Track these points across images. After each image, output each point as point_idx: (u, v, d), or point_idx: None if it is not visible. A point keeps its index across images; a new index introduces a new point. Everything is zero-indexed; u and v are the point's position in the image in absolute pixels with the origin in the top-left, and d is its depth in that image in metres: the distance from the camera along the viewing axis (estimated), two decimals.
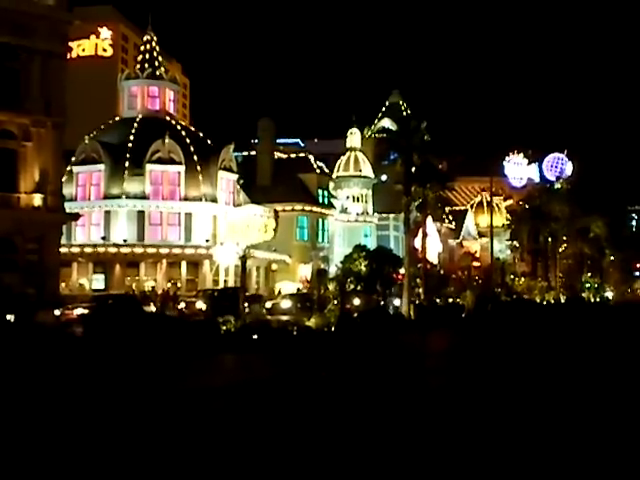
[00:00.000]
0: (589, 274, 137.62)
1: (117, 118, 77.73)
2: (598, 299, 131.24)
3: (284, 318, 45.47)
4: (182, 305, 53.76)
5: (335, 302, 49.50)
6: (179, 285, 67.35)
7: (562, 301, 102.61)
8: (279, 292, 69.55)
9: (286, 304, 52.63)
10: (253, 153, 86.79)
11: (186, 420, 16.71)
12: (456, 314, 62.88)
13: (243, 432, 15.34)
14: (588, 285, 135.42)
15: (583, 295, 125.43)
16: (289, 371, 27.13)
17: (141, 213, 69.16)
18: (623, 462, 12.72)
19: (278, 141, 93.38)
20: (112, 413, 17.49)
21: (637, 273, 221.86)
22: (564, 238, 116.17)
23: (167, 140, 69.29)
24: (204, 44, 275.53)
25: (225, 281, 68.09)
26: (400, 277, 62.86)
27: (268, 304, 53.26)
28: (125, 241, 67.80)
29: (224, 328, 37.60)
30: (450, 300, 70.36)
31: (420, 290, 64.17)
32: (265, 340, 36.62)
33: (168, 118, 74.54)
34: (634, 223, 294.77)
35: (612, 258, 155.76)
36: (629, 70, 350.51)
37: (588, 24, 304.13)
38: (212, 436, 14.85)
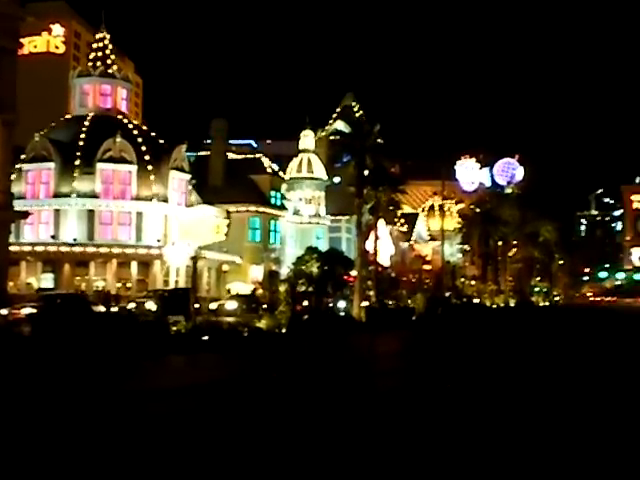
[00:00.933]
0: (538, 278, 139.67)
1: (68, 116, 77.05)
2: (547, 303, 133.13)
3: (229, 320, 45.17)
4: (132, 305, 53.35)
5: (286, 304, 49.38)
6: (129, 285, 66.90)
7: (512, 305, 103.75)
8: (236, 293, 69.32)
9: (231, 305, 52.35)
10: (206, 153, 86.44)
11: (127, 423, 16.55)
12: (407, 317, 63.23)
13: (187, 435, 15.24)
14: (537, 289, 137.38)
15: (532, 299, 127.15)
16: (239, 372, 27.03)
17: (91, 212, 68.57)
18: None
19: (231, 142, 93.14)
20: (51, 414, 17.28)
21: (585, 277, 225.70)
22: (514, 242, 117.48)
23: (118, 139, 68.81)
24: (158, 43, 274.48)
25: (176, 281, 67.78)
26: (352, 279, 63.02)
27: (213, 305, 52.92)
28: (75, 240, 67.19)
29: (174, 329, 37.34)
30: (401, 303, 70.68)
31: (371, 292, 64.39)
32: (216, 341, 36.46)
33: (120, 117, 74.01)
34: (583, 228, 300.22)
35: (561, 262, 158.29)
36: (580, 78, 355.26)
37: (540, 31, 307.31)
38: (154, 440, 14.71)
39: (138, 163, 69.28)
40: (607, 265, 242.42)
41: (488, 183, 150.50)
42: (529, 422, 16.19)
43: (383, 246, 77.28)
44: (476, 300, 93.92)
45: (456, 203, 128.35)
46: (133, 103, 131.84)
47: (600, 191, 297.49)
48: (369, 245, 65.76)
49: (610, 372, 25.82)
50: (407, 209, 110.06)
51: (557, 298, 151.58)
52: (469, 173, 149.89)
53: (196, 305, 44.39)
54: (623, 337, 46.39)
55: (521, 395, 20.33)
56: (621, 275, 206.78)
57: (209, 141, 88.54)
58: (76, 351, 28.65)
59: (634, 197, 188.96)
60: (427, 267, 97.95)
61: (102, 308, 51.34)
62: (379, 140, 64.66)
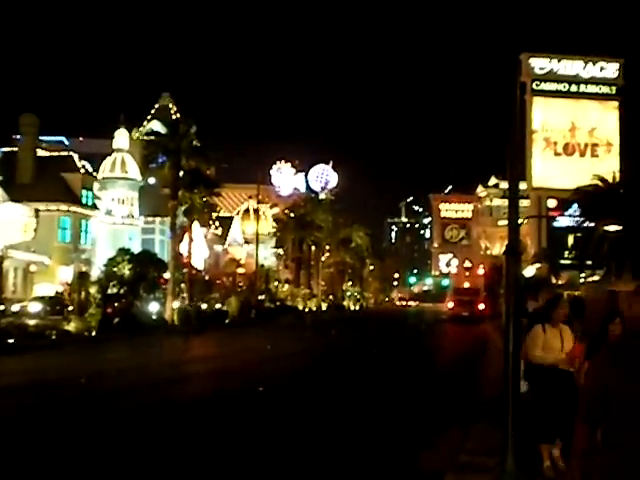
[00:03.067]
0: (350, 282, 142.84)
1: None
2: (357, 307, 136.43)
3: (34, 322, 43.50)
4: None
5: (96, 306, 48.29)
6: None
7: (324, 308, 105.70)
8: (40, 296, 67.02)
9: (35, 307, 50.52)
10: (14, 149, 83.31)
11: None
12: (220, 319, 63.45)
13: None
14: (349, 293, 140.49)
15: (344, 303, 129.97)
16: (40, 377, 26.18)
17: None
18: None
19: (41, 138, 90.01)
20: None
21: (395, 282, 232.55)
22: (327, 247, 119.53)
23: None
24: None
25: None
26: (165, 282, 62.39)
27: (15, 307, 50.90)
28: None
29: None
30: (215, 306, 70.64)
31: (185, 295, 64.00)
32: (22, 344, 35.38)
33: None
34: (393, 235, 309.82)
35: (372, 267, 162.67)
36: (392, 88, 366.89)
37: (356, 38, 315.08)
38: None
39: None
40: (416, 270, 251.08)
41: (303, 188, 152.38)
42: None
43: (197, 249, 76.88)
44: (289, 303, 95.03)
45: (271, 207, 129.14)
46: None
47: (410, 199, 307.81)
48: (183, 248, 65.29)
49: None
50: (223, 212, 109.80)
51: (366, 303, 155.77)
52: (284, 178, 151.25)
53: (1, 307, 42.85)
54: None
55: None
56: (429, 280, 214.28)
57: (18, 137, 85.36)
58: None
59: (442, 206, 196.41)
60: (241, 270, 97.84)
61: None
62: (195, 142, 64.33)
